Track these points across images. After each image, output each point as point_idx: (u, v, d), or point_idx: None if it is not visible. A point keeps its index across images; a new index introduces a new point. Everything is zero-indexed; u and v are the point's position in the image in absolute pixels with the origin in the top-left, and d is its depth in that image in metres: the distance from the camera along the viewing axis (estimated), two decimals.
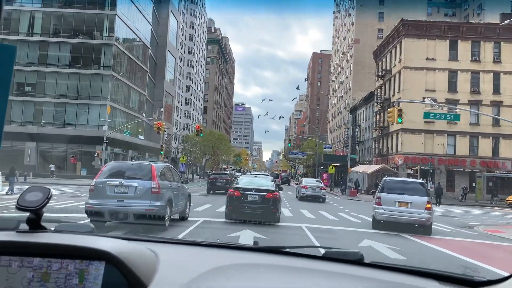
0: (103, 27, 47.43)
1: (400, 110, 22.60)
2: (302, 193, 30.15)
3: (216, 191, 31.01)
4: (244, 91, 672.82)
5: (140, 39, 54.59)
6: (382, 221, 14.15)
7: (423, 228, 13.90)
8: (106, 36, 47.42)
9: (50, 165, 42.98)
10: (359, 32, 75.46)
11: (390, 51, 50.50)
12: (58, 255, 1.32)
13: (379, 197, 14.19)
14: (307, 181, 33.01)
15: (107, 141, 39.77)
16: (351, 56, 77.54)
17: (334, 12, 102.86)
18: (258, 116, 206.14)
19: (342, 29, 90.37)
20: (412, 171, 39.66)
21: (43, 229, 1.47)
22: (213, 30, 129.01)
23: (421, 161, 43.48)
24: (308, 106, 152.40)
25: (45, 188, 1.49)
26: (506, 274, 1.55)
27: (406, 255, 9.71)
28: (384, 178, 16.09)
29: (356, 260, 1.65)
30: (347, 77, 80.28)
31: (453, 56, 45.02)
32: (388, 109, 23.88)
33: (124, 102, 51.15)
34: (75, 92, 47.41)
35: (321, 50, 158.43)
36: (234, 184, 15.05)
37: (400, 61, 46.64)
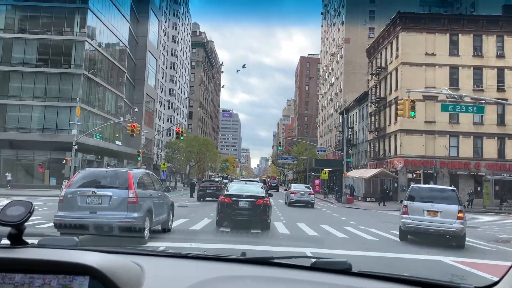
0: (74, 22, 43.28)
1: (413, 101, 19.03)
2: (291, 199, 30.21)
3: (207, 199, 31.25)
4: (231, 98, 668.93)
5: (116, 36, 50.46)
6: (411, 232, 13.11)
7: (455, 241, 12.80)
8: (77, 32, 43.24)
9: (6, 174, 38.62)
10: (350, 32, 72.41)
11: (385, 47, 47.25)
12: (41, 270, 1.28)
13: (406, 206, 13.06)
14: (296, 187, 33.05)
15: (76, 147, 35.61)
16: (341, 57, 74.41)
17: (322, 13, 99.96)
18: (237, 70, 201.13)
19: (331, 30, 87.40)
20: (414, 175, 36.25)
21: (25, 244, 1.43)
22: (198, 34, 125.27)
23: (422, 164, 40.10)
24: (296, 111, 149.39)
25: (27, 202, 1.44)
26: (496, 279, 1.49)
27: None
28: (412, 185, 14.57)
29: (344, 270, 1.63)
30: (337, 79, 77.09)
31: (454, 51, 41.92)
32: (399, 101, 20.34)
33: (98, 105, 46.86)
34: (43, 93, 42.99)
35: (308, 54, 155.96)
36: (225, 191, 14.91)
37: (397, 57, 43.37)
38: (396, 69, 43.24)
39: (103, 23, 46.03)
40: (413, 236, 13.53)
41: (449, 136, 41.32)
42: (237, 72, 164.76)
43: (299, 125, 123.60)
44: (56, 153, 41.55)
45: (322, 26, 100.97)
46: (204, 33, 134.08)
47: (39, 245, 1.54)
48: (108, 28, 47.77)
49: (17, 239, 1.42)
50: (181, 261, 1.77)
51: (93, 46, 44.46)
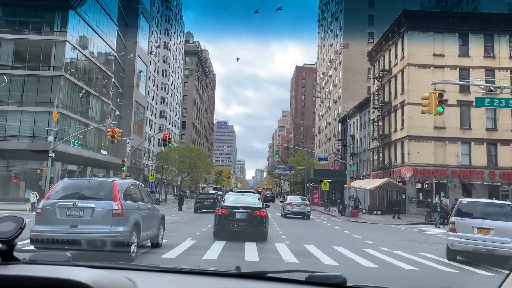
0: (54, 21, 40.03)
1: (441, 94, 15.83)
2: (287, 210, 30.11)
3: (203, 210, 31.30)
4: (225, 110, 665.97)
5: (102, 39, 47.16)
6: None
7: None
8: (58, 31, 39.97)
9: None
10: (348, 37, 69.74)
11: (389, 48, 44.30)
12: (33, 287, 1.26)
13: (453, 222, 11.71)
14: (292, 199, 33.01)
15: (53, 155, 32.10)
16: (339, 63, 71.63)
17: (319, 20, 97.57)
18: (237, 59, 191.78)
19: (328, 36, 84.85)
20: (426, 185, 32.97)
21: (16, 260, 1.40)
22: (191, 42, 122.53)
23: (432, 173, 36.85)
24: (292, 121, 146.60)
25: (18, 218, 1.43)
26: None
27: None
28: (460, 199, 13.13)
29: (339, 284, 1.63)
30: (335, 86, 74.19)
31: (464, 52, 38.99)
32: (423, 95, 17.10)
33: (81, 111, 43.37)
34: (19, 97, 39.54)
35: (304, 64, 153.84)
36: (222, 203, 15.14)
37: (402, 58, 40.40)
38: (402, 71, 40.24)
39: (87, 23, 42.77)
40: (463, 256, 11.81)
41: (460, 143, 38.20)
42: (237, 60, 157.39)
43: (295, 135, 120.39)
44: (33, 163, 37.94)
45: (318, 33, 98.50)
46: (198, 42, 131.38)
47: (31, 261, 1.49)
48: (93, 29, 44.49)
49: (8, 256, 1.38)
50: (174, 276, 1.72)
51: (76, 48, 41.14)
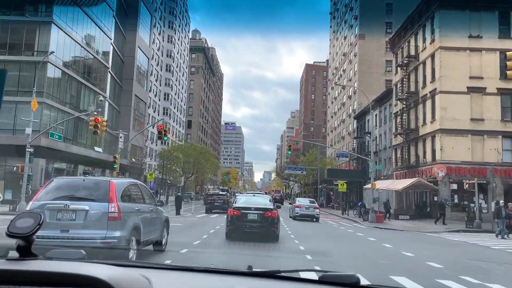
0: (38, 1, 35.75)
1: None
2: (296, 213, 30.21)
3: (213, 211, 32.32)
4: (233, 111, 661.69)
5: (95, 23, 42.74)
6: None
7: None
8: (42, 11, 35.67)
9: None
10: (364, 27, 64.76)
11: (415, 32, 39.33)
12: (50, 283, 1.27)
13: None
14: (301, 201, 33.07)
15: (31, 150, 27.69)
16: (355, 55, 66.65)
17: (331, 13, 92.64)
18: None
19: (341, 29, 79.91)
20: (467, 185, 27.98)
21: (34, 256, 1.42)
22: (197, 39, 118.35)
23: (469, 172, 31.91)
24: (301, 121, 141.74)
25: (36, 214, 1.45)
26: None
27: None
28: None
29: (352, 283, 1.62)
30: (350, 80, 69.16)
31: (505, 32, 33.93)
32: (507, 53, 12.33)
33: (70, 102, 38.97)
34: None
35: (314, 62, 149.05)
36: (233, 204, 15.28)
37: (433, 41, 35.41)
38: (432, 56, 35.28)
39: (76, 3, 38.38)
40: None
41: (502, 137, 33.13)
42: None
43: (305, 133, 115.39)
44: (13, 160, 33.51)
45: (330, 27, 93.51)
46: (205, 38, 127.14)
47: (47, 258, 1.53)
48: (84, 12, 40.06)
49: (26, 251, 1.40)
50: (188, 274, 1.76)
51: (63, 31, 36.72)
